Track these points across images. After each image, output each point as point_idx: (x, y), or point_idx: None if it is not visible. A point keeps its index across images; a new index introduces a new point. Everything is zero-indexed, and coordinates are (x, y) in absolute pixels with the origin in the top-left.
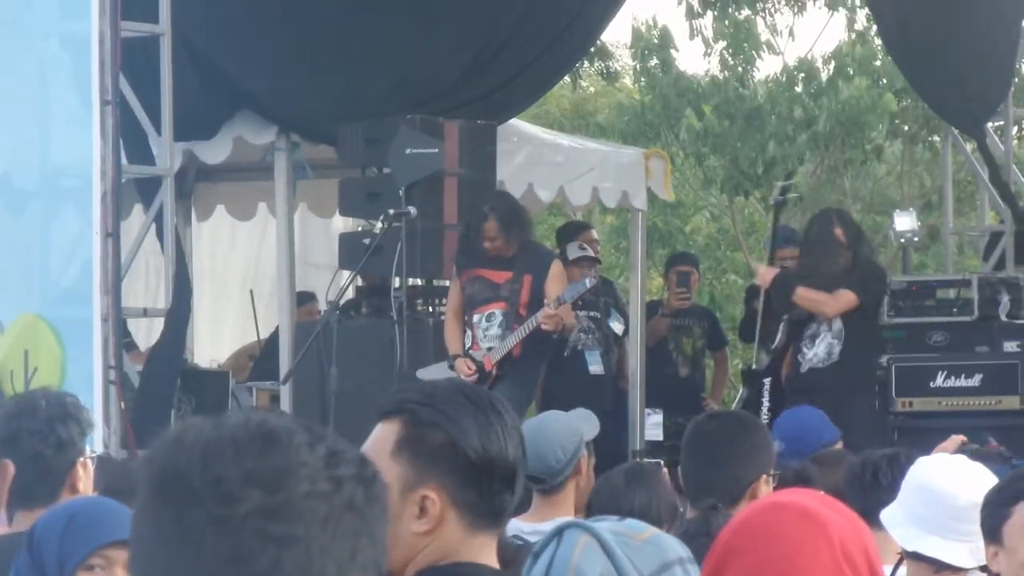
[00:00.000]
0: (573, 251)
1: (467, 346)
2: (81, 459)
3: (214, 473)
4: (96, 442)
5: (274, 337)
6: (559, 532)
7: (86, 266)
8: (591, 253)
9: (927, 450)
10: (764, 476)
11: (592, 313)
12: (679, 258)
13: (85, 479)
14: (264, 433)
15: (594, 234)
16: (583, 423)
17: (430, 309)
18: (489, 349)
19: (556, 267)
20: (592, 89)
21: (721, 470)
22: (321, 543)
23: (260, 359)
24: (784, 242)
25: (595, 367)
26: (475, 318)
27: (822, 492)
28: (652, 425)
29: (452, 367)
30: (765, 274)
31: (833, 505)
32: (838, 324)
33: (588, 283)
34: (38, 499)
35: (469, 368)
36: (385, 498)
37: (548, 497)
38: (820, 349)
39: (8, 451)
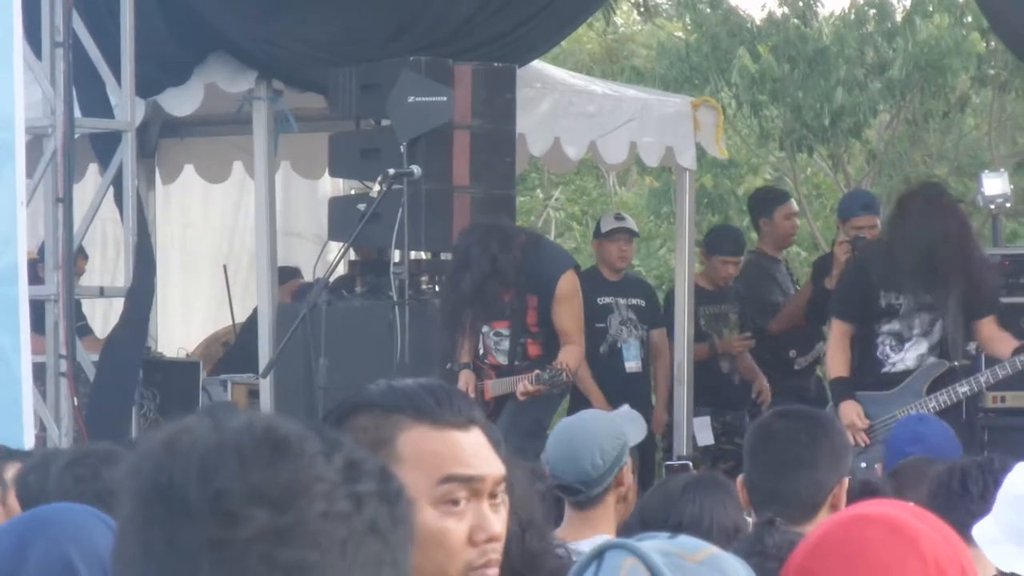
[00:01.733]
0: (607, 222)
1: (480, 352)
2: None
3: (214, 487)
4: (51, 443)
5: (252, 321)
6: (599, 553)
7: (10, 236)
8: (629, 224)
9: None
10: (847, 480)
11: (635, 301)
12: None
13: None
14: (272, 440)
15: (793, 206)
16: (627, 424)
17: (436, 288)
18: (494, 368)
19: (565, 284)
20: (624, 30)
21: (802, 475)
22: (339, 572)
23: (235, 347)
24: (861, 208)
25: (632, 363)
26: (485, 329)
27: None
28: (701, 427)
29: (456, 373)
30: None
31: (924, 517)
32: (936, 335)
33: (566, 377)
34: None
35: (471, 389)
36: (411, 519)
37: (583, 512)
38: (909, 357)
39: None
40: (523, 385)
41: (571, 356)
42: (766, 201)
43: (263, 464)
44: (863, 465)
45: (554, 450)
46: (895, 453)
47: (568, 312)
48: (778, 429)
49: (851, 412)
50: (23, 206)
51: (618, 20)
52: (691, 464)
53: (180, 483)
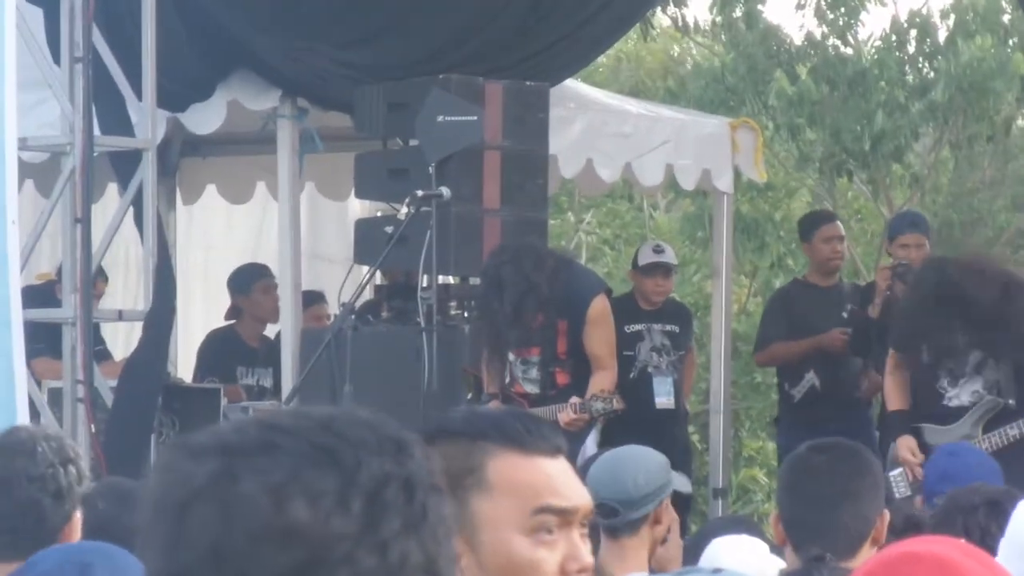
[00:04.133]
0: (645, 255)
1: (506, 381)
2: (77, 511)
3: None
4: None
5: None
6: None
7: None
8: (668, 258)
9: None
10: (886, 512)
11: (670, 327)
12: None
13: (75, 533)
14: (284, 513)
15: (837, 228)
16: (676, 475)
17: (465, 314)
18: (524, 397)
19: (596, 308)
20: (656, 44)
21: (846, 509)
22: None
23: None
24: (908, 226)
25: (663, 398)
26: (511, 357)
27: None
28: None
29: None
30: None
31: (975, 555)
32: (992, 374)
33: (615, 404)
34: (23, 551)
35: None
36: (444, 517)
37: (618, 540)
38: (964, 393)
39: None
40: (566, 414)
41: (605, 383)
42: (806, 224)
43: (276, 547)
44: (897, 495)
45: (596, 471)
46: (927, 491)
47: (601, 336)
48: (818, 463)
49: (904, 448)
50: (14, 225)
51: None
52: None
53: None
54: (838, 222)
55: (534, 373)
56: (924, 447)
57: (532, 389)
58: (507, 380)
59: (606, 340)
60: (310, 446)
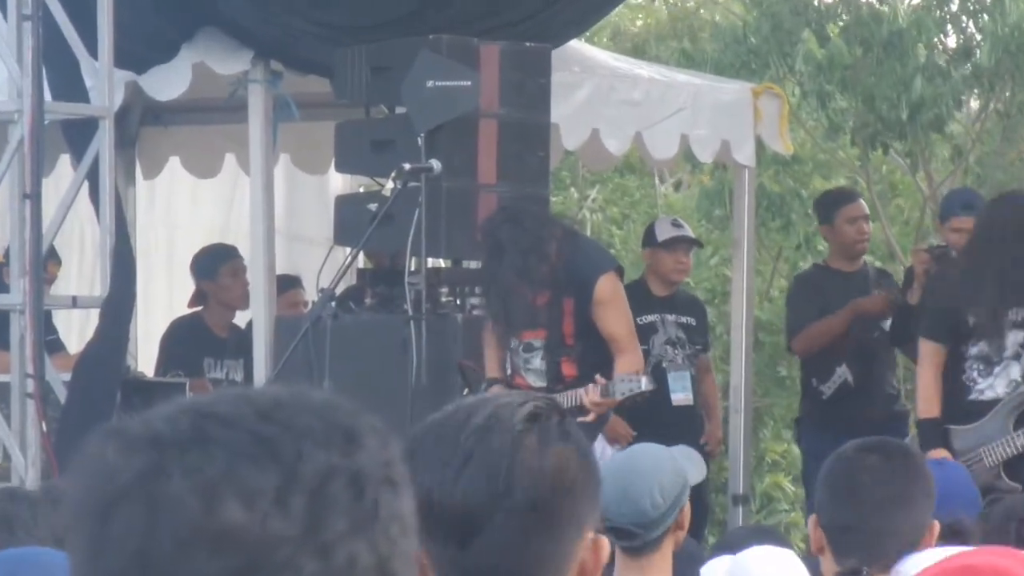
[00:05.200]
0: (664, 229)
1: (508, 372)
2: None
3: None
4: (16, 473)
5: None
6: None
7: None
8: (689, 232)
9: None
10: (935, 522)
11: (685, 319)
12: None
13: None
14: (216, 517)
15: (861, 207)
16: (687, 463)
17: (458, 301)
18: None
19: (605, 285)
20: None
21: (898, 515)
22: None
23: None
24: (961, 208)
25: (680, 395)
26: (513, 344)
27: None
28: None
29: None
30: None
31: None
32: None
33: (644, 385)
34: None
35: None
36: (402, 513)
37: (637, 559)
38: (999, 384)
39: None
40: (592, 395)
41: (631, 366)
42: (826, 204)
43: (208, 553)
44: None
45: (606, 488)
46: None
47: (616, 316)
48: (868, 464)
49: None
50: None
51: None
52: None
53: None
54: (861, 200)
55: (537, 363)
56: (952, 452)
57: (535, 381)
58: (508, 371)
59: (623, 319)
60: (248, 437)
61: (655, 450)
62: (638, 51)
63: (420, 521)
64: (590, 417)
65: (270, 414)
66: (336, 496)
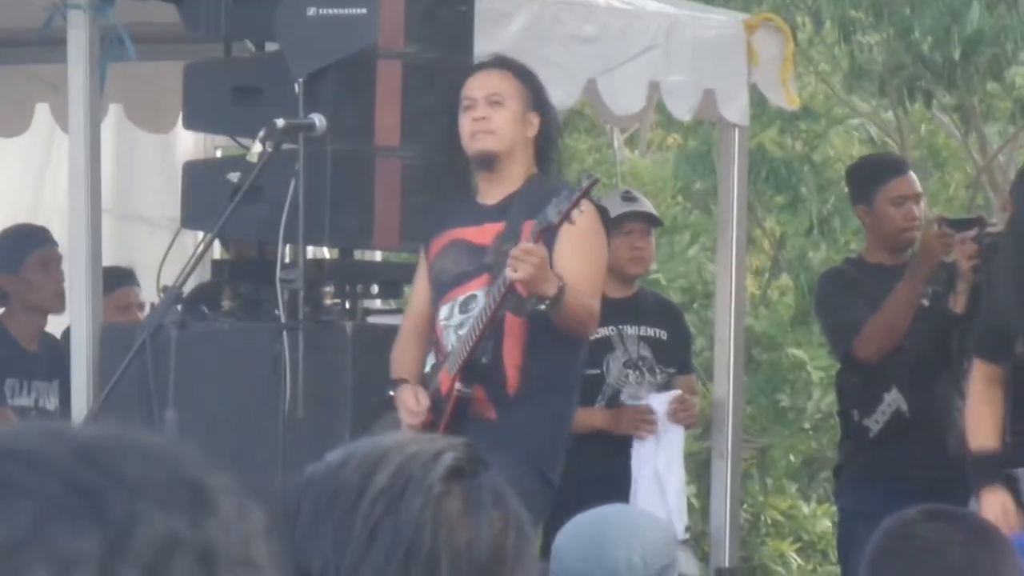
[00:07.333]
0: (613, 204)
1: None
2: None
3: None
4: None
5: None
6: None
7: None
8: (645, 206)
9: None
10: None
11: (653, 331)
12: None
13: None
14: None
15: (911, 183)
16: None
17: (347, 305)
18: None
19: (583, 224)
20: None
21: None
22: None
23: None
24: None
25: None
26: (442, 312)
27: None
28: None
29: (392, 397)
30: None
31: None
32: None
33: (585, 182)
34: None
35: (417, 401)
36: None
37: None
38: None
39: None
40: (519, 250)
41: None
42: (864, 178)
43: None
44: None
45: (569, 542)
46: None
47: (580, 252)
48: (923, 534)
49: (995, 505)
50: None
51: None
52: None
53: None
54: (911, 173)
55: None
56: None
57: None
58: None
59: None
60: (63, 488)
61: (638, 511)
62: None
63: None
64: (550, 291)
65: (93, 457)
66: (142, 538)
